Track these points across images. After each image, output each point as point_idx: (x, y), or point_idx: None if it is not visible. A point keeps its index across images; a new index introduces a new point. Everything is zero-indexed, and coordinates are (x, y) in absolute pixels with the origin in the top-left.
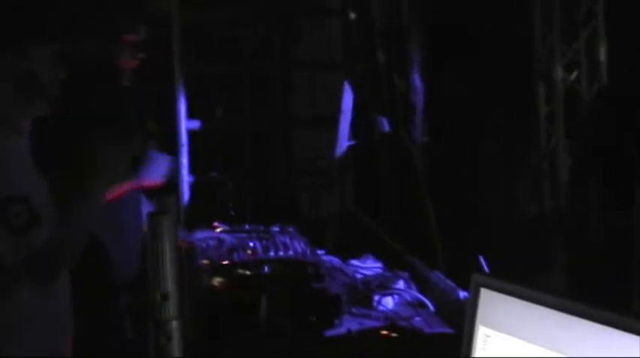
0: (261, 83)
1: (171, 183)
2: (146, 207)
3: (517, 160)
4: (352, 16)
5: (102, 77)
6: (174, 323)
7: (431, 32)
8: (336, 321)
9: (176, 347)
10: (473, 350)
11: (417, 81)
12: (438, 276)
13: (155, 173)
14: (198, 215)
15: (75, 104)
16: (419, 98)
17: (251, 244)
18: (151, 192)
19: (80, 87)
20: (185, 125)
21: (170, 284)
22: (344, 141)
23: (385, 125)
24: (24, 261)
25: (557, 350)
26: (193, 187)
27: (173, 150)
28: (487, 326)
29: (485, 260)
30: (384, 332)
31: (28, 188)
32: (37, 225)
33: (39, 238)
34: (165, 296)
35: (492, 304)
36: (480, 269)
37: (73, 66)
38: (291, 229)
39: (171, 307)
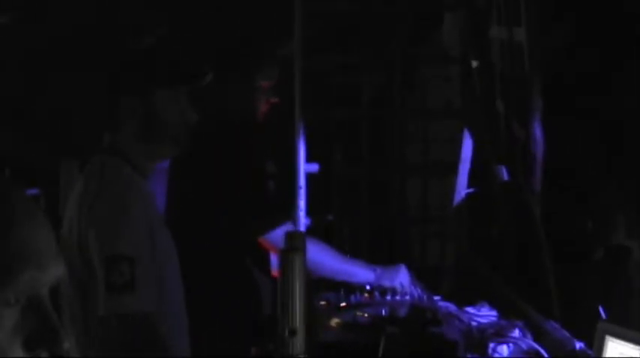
0: (379, 129)
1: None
2: None
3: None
4: (474, 64)
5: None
6: None
7: (551, 82)
8: None
9: None
10: None
11: (537, 130)
12: (553, 326)
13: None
14: None
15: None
16: (538, 148)
17: (368, 287)
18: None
19: (213, 132)
20: (304, 168)
21: (298, 321)
22: (462, 188)
23: (504, 174)
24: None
25: None
26: (310, 230)
27: (291, 192)
28: None
29: (604, 310)
30: None
31: (142, 235)
32: (132, 290)
33: (132, 304)
34: (293, 332)
35: (618, 352)
36: (601, 318)
37: (204, 110)
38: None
39: (299, 343)
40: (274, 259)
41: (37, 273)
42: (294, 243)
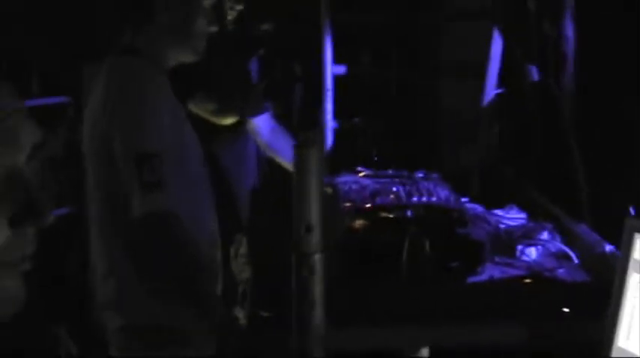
0: (410, 30)
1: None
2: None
3: None
4: None
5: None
6: (317, 256)
7: None
8: (479, 268)
9: (318, 280)
10: (624, 297)
11: (569, 30)
12: (583, 229)
13: None
14: (342, 160)
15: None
16: (569, 47)
17: (394, 189)
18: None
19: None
20: (331, 70)
21: (314, 217)
22: (492, 89)
23: (534, 74)
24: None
25: None
26: (337, 133)
27: (318, 94)
28: None
29: (635, 211)
30: (527, 280)
31: (169, 131)
32: (163, 187)
33: (164, 202)
34: (309, 228)
35: None
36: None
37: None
38: (435, 176)
39: (315, 239)
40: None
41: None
42: (308, 138)
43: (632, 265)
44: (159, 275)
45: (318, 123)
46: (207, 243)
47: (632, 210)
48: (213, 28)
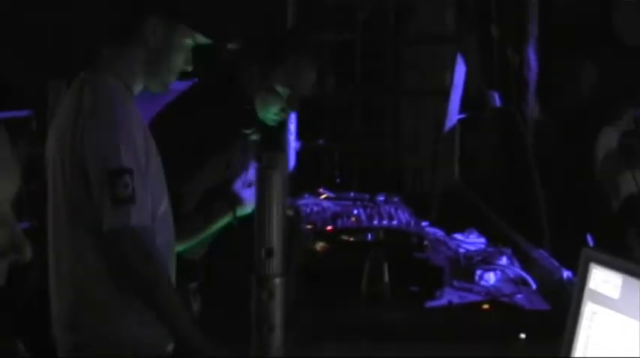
0: (373, 54)
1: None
2: None
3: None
4: None
5: None
6: (278, 280)
7: (548, 8)
8: (437, 292)
9: (278, 304)
10: (579, 327)
11: (532, 56)
12: (542, 254)
13: None
14: (304, 181)
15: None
16: (532, 74)
17: (355, 212)
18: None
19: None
20: None
21: (275, 241)
22: (454, 114)
23: (497, 100)
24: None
25: None
26: (300, 154)
27: None
28: (595, 302)
29: (592, 239)
30: (485, 306)
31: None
32: (134, 202)
33: (135, 217)
34: (270, 252)
35: (601, 280)
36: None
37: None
38: (396, 199)
39: (276, 263)
40: None
41: None
42: (271, 161)
43: (586, 294)
44: (132, 286)
45: (281, 145)
46: (169, 256)
47: (589, 239)
48: (188, 67)
